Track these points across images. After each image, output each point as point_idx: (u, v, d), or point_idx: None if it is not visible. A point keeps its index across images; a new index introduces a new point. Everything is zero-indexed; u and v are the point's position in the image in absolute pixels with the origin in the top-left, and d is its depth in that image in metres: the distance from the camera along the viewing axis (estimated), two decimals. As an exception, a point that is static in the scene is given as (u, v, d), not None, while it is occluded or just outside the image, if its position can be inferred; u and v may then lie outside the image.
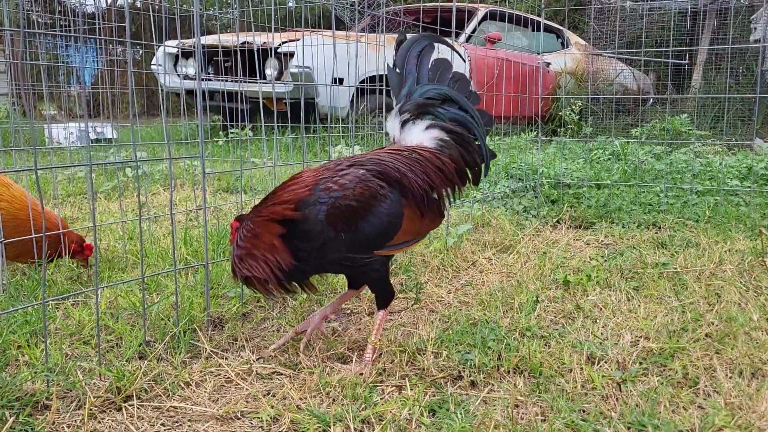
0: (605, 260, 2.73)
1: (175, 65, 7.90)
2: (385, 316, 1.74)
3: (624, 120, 8.95)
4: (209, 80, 7.27)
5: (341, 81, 6.04)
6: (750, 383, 1.54)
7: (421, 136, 1.80)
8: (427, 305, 2.18)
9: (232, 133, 6.78)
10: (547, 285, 2.36)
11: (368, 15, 9.25)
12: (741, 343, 1.74)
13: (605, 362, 1.66)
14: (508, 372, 1.64)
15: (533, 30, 8.86)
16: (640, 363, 1.66)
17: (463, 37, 8.02)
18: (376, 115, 7.43)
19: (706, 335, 1.82)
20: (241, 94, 6.87)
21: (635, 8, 9.79)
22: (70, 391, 1.52)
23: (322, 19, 8.01)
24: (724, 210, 3.56)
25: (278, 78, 7.21)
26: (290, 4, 7.81)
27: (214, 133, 7.65)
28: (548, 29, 8.77)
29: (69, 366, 1.59)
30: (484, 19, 8.41)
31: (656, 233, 3.21)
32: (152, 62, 7.98)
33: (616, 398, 1.49)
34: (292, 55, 6.89)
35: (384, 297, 1.72)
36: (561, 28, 9.10)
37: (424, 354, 1.72)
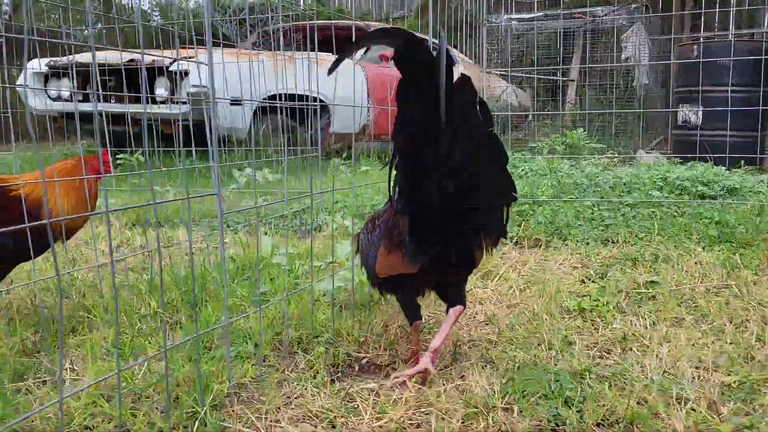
0: (593, 281, 2.64)
1: (45, 85, 7.11)
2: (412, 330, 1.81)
3: (515, 135, 9.25)
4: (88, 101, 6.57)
5: (239, 101, 5.67)
6: None
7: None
8: (462, 349, 1.94)
9: (120, 158, 6.16)
10: (561, 314, 2.21)
11: (258, 32, 8.89)
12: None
13: (694, 403, 1.51)
14: (599, 425, 1.44)
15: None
16: (728, 400, 1.52)
17: (358, 55, 7.88)
18: (279, 135, 7.10)
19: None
20: (128, 116, 6.25)
21: (519, 28, 10.20)
22: None
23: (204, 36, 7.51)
24: (670, 222, 3.63)
25: (170, 99, 6.68)
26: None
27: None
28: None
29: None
30: (379, 37, 8.34)
31: (620, 249, 3.18)
32: (18, 82, 7.13)
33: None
34: (186, 73, 6.40)
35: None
36: (449, 46, 9.25)
37: (504, 411, 1.48)
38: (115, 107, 6.50)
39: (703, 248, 3.13)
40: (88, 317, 2.11)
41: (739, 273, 2.65)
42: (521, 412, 1.49)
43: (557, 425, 1.42)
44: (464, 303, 1.73)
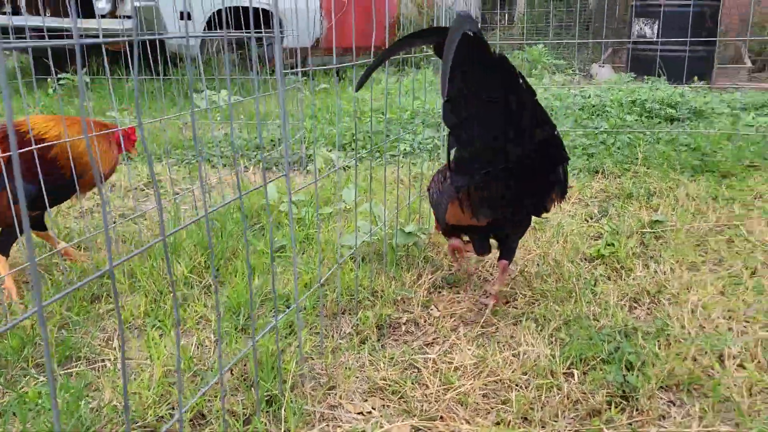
0: (598, 221, 2.70)
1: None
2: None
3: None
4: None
5: (189, 16, 5.35)
6: None
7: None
8: (499, 305, 1.97)
9: (62, 79, 5.75)
10: (583, 262, 2.26)
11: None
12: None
13: (742, 359, 1.60)
14: (662, 389, 1.51)
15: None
16: (770, 355, 1.62)
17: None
18: (234, 52, 6.75)
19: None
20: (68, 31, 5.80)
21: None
22: None
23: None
24: (652, 151, 3.72)
25: (112, 13, 6.21)
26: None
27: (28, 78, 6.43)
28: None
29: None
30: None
31: (610, 182, 3.25)
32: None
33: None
34: (131, -14, 5.90)
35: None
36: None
37: (566, 376, 1.53)
38: (50, 21, 5.99)
39: (689, 179, 3.24)
40: (107, 282, 2.02)
41: (731, 208, 2.77)
42: (589, 380, 1.54)
43: (625, 392, 1.47)
44: (510, 258, 1.92)
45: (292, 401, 1.44)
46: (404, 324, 1.88)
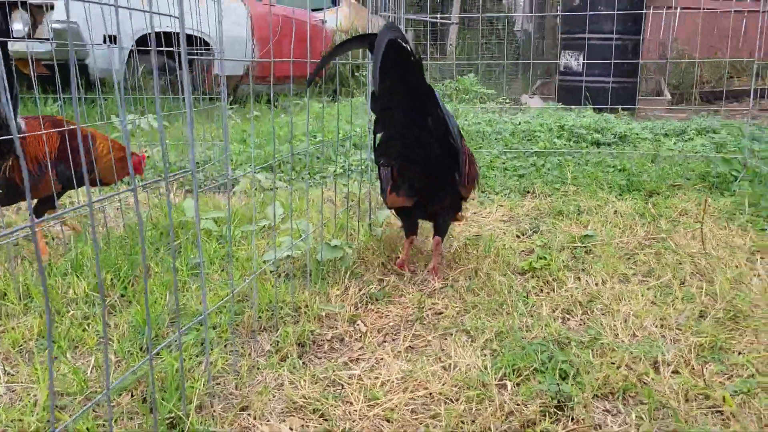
0: (529, 237, 2.67)
1: None
2: (406, 242, 2.32)
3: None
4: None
5: (114, 40, 5.17)
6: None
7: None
8: (429, 319, 1.87)
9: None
10: (514, 275, 2.20)
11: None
12: (758, 320, 1.77)
13: (676, 366, 1.55)
14: (597, 397, 1.44)
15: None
16: (705, 361, 1.58)
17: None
18: (158, 77, 6.54)
19: (725, 316, 1.81)
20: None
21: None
22: None
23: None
24: (580, 171, 3.76)
25: (32, 34, 5.93)
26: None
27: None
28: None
29: None
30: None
31: (541, 201, 3.24)
32: None
33: (734, 416, 1.38)
34: (51, 7, 5.68)
35: None
36: None
37: (499, 388, 1.44)
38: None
39: (617, 197, 3.26)
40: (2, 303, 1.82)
41: (658, 223, 2.79)
42: (522, 390, 1.45)
43: (560, 401, 1.39)
44: (442, 236, 2.24)
45: (197, 423, 1.28)
46: (329, 340, 1.75)
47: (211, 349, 1.60)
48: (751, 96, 4.07)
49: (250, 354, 1.64)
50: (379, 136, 1.95)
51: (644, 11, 7.30)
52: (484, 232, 2.70)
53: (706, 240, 2.50)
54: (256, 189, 3.41)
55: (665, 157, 4.03)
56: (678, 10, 9.68)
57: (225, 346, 1.66)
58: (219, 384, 1.48)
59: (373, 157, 2.12)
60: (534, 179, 3.65)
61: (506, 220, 2.95)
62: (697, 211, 2.98)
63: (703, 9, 7.58)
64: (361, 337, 1.77)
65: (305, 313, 1.86)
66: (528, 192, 3.47)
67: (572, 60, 7.38)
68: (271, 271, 2.09)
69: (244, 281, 1.95)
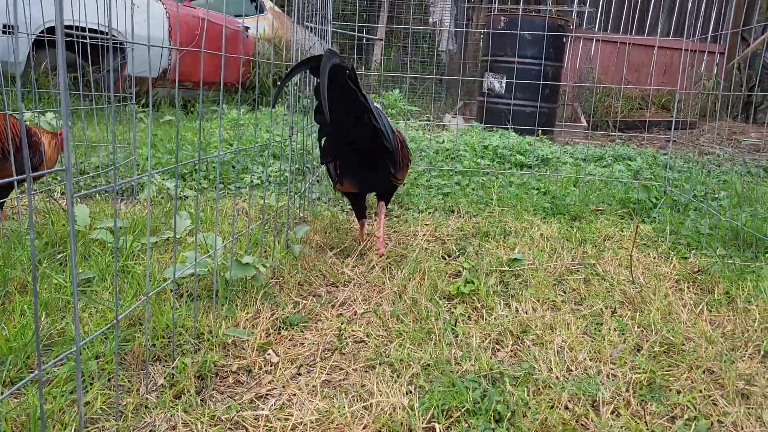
0: (455, 259, 2.54)
1: None
2: (360, 226, 2.70)
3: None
4: None
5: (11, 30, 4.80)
6: (742, 402, 1.48)
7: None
8: (349, 348, 1.68)
9: None
10: (442, 300, 2.05)
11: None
12: (692, 353, 1.69)
13: (615, 405, 1.43)
14: (534, 442, 1.29)
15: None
16: (644, 400, 1.47)
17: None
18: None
19: (659, 349, 1.73)
20: None
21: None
22: None
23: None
24: (505, 192, 3.69)
25: None
26: None
27: None
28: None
29: None
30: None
31: (466, 221, 3.14)
32: None
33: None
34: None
35: None
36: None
37: (420, 436, 1.26)
38: None
39: (542, 220, 3.20)
40: None
41: (584, 248, 2.73)
42: (448, 432, 1.28)
43: (494, 448, 1.24)
44: (388, 201, 2.61)
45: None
46: (234, 372, 1.53)
47: (90, 385, 1.35)
48: (672, 126, 4.15)
49: (138, 389, 1.40)
50: (324, 139, 2.35)
51: (565, 40, 7.46)
52: (408, 252, 2.55)
53: (634, 267, 2.45)
54: (162, 197, 3.13)
55: (587, 182, 4.03)
56: (594, 41, 10.04)
57: (109, 379, 1.41)
58: (96, 429, 1.23)
59: (300, 164, 1.98)
60: (459, 198, 3.55)
61: (431, 239, 2.81)
62: (620, 237, 2.95)
63: (625, 43, 7.85)
64: (271, 368, 1.56)
65: (208, 339, 1.63)
66: (453, 211, 3.36)
67: (495, 82, 7.44)
68: (172, 290, 1.85)
69: (139, 301, 1.70)
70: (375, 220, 2.76)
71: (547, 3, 10.67)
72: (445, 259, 2.54)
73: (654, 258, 2.64)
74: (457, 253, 2.59)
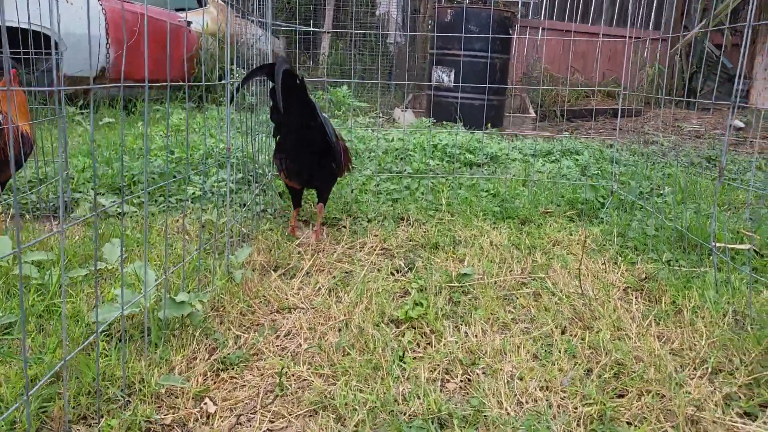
0: (404, 275, 2.48)
1: None
2: (293, 213, 2.98)
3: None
4: None
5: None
6: (692, 430, 1.46)
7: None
8: (291, 390, 1.60)
9: None
10: (389, 326, 1.99)
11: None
12: (641, 376, 1.67)
13: (566, 445, 1.40)
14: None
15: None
16: (594, 435, 1.44)
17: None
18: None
19: (609, 374, 1.70)
20: None
21: (275, -28, 9.60)
22: None
23: None
24: (454, 196, 3.65)
25: None
26: None
27: None
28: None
29: None
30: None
31: (416, 230, 3.08)
32: None
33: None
34: None
35: None
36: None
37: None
38: None
39: (491, 226, 3.17)
40: None
41: (533, 257, 2.70)
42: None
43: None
44: (324, 202, 2.95)
45: None
46: (167, 426, 1.44)
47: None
48: (619, 115, 4.17)
49: (60, 458, 1.29)
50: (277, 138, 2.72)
51: (512, 34, 7.46)
52: (356, 269, 2.48)
53: (583, 276, 2.43)
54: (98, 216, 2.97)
55: (536, 181, 4.02)
56: (541, 31, 10.11)
57: (28, 448, 1.30)
58: None
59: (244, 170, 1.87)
60: (408, 204, 3.49)
61: (380, 252, 2.75)
62: (568, 242, 2.94)
63: (571, 30, 7.89)
64: (208, 419, 1.47)
65: (140, 390, 1.53)
66: (402, 219, 3.30)
67: (444, 75, 7.40)
68: (104, 332, 1.73)
69: (58, 356, 1.58)
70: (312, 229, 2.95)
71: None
72: (393, 275, 2.48)
73: (602, 264, 2.63)
74: (406, 269, 2.53)
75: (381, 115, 7.04)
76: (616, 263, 2.65)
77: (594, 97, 10.53)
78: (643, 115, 9.30)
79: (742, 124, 8.23)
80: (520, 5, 10.34)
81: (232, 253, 2.31)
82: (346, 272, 2.47)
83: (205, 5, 8.77)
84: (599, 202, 3.58)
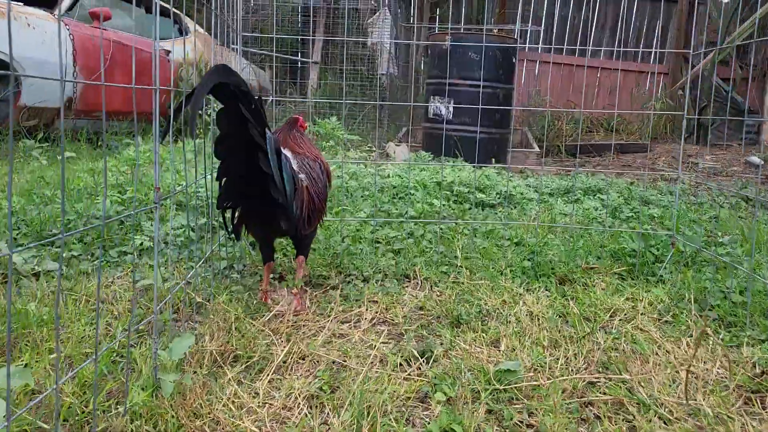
0: (419, 367, 1.73)
1: None
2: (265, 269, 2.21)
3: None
4: None
5: None
6: None
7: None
8: None
9: None
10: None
11: None
12: None
13: None
14: None
15: (147, 11, 7.34)
16: None
17: (64, 5, 6.03)
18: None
19: None
20: None
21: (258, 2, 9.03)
22: None
23: None
24: (471, 247, 2.92)
25: None
26: None
27: None
28: (164, 12, 7.17)
29: None
30: (87, -11, 6.50)
31: (428, 295, 2.34)
32: None
33: None
34: None
35: None
36: (179, 12, 7.66)
37: None
38: None
39: (524, 288, 2.44)
40: None
41: (594, 338, 1.97)
42: None
43: None
44: (305, 255, 2.27)
45: None
46: None
47: None
48: (682, 144, 3.49)
49: None
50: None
51: (515, 60, 6.84)
52: (350, 360, 1.73)
53: (674, 370, 1.70)
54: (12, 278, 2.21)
55: (567, 227, 3.31)
56: (538, 62, 9.56)
57: None
58: None
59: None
60: (414, 257, 2.75)
61: (381, 329, 2.00)
62: (630, 311, 2.21)
63: (573, 64, 7.32)
64: None
65: None
66: (407, 277, 2.56)
67: (442, 107, 6.74)
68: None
69: None
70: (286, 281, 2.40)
71: (490, 22, 10.15)
72: (403, 367, 1.73)
73: (687, 346, 1.90)
74: (420, 358, 1.78)
75: (374, 149, 6.34)
76: (708, 346, 1.92)
77: (596, 131, 9.95)
78: (652, 150, 8.70)
79: (759, 161, 7.61)
80: (517, 34, 9.82)
81: (164, 345, 1.55)
82: (336, 366, 1.72)
83: (186, 35, 8.11)
84: (652, 254, 2.86)
